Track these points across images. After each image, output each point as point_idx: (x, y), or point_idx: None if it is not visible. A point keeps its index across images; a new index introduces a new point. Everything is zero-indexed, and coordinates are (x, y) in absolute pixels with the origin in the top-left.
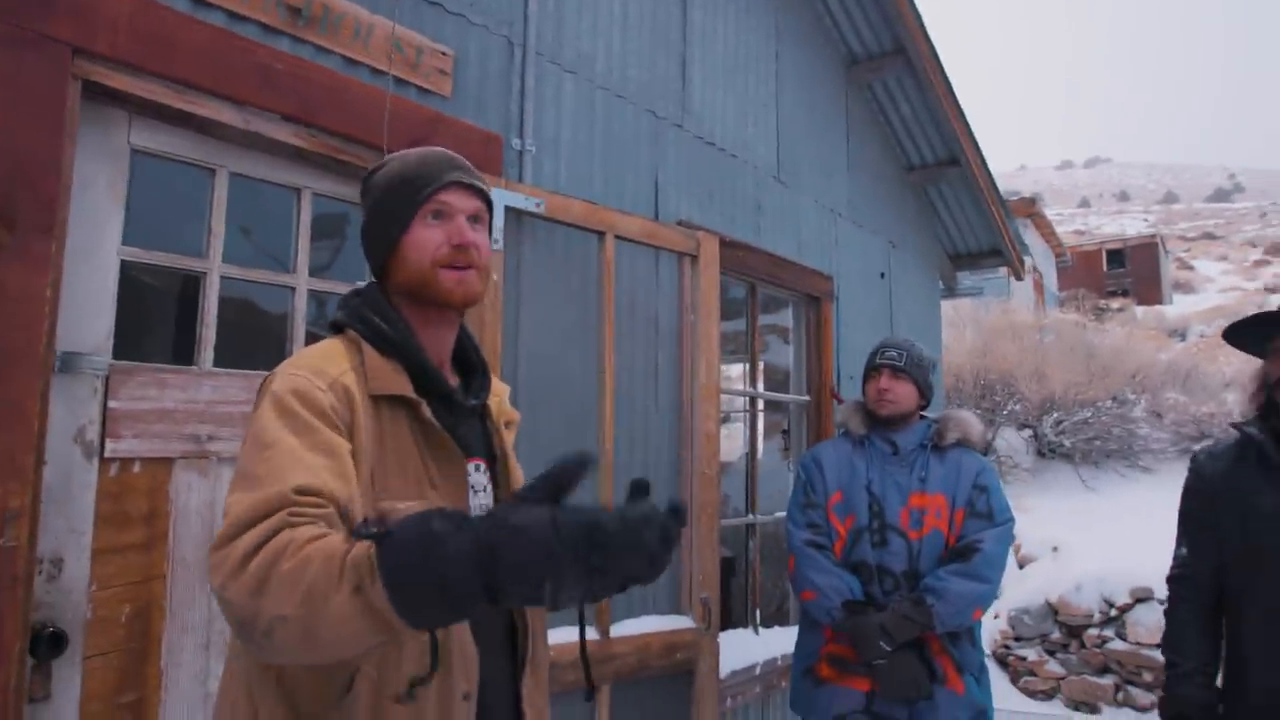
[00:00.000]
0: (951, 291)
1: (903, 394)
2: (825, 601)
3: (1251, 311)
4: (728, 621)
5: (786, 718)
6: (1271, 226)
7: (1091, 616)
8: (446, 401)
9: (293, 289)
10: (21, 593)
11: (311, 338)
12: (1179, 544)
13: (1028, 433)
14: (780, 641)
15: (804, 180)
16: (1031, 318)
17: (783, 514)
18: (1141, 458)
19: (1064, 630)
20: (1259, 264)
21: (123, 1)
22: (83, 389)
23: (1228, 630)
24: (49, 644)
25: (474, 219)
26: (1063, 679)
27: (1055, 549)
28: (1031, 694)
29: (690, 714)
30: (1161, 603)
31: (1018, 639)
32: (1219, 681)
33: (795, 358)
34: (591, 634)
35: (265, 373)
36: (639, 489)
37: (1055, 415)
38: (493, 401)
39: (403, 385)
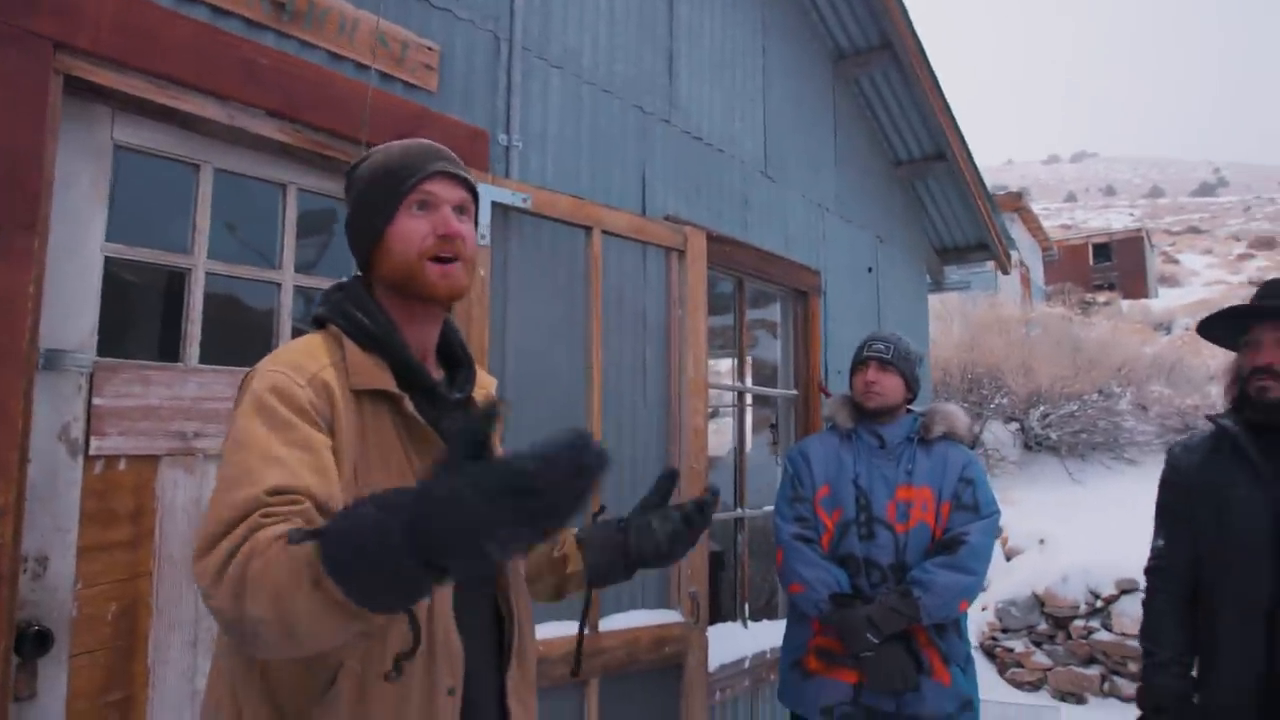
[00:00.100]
0: (939, 286)
1: (890, 386)
2: (813, 594)
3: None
4: (716, 615)
5: (775, 710)
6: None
7: (1078, 608)
8: (430, 395)
9: (278, 285)
10: (6, 591)
11: (298, 334)
12: (1156, 536)
13: (1014, 426)
14: (769, 635)
15: (791, 175)
16: (1018, 312)
17: (771, 508)
18: (1127, 450)
19: (1051, 622)
20: (1243, 257)
21: None
22: (67, 386)
23: (1202, 624)
24: (34, 642)
25: (460, 209)
26: (1049, 670)
27: (1042, 541)
28: (1019, 685)
29: (679, 707)
30: None
31: (1005, 631)
32: (1195, 672)
33: (783, 352)
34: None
35: (251, 369)
36: (667, 477)
37: (1042, 408)
38: (478, 394)
39: (384, 380)
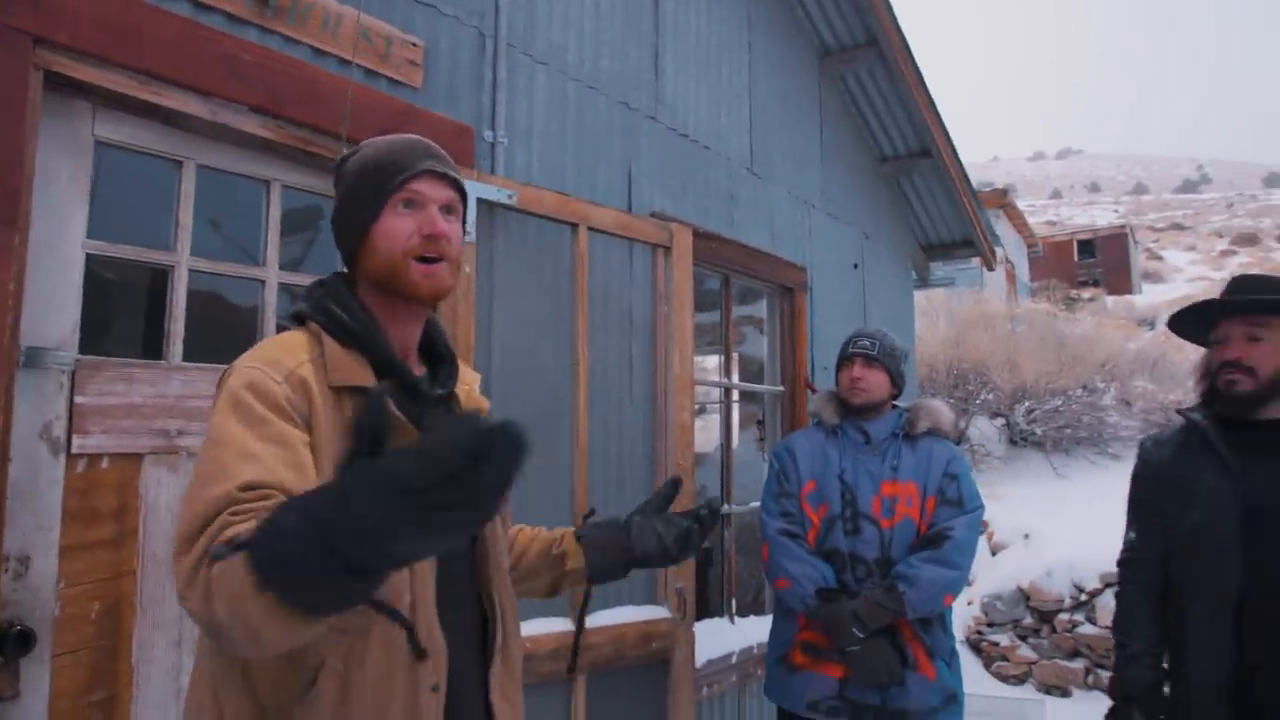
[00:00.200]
0: (924, 282)
1: (875, 383)
2: (799, 590)
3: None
4: (704, 611)
5: (762, 705)
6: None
7: (1062, 602)
8: (411, 391)
9: (262, 282)
10: None
11: (282, 331)
12: (1128, 529)
13: (1000, 421)
14: (756, 630)
15: (777, 171)
16: (1004, 308)
17: (758, 504)
18: (1111, 445)
19: (1035, 616)
20: (1225, 254)
21: None
22: (48, 384)
23: (1172, 617)
24: (16, 642)
25: (447, 209)
26: (1034, 663)
27: (1027, 536)
28: (1004, 679)
29: (666, 703)
30: None
31: (990, 625)
32: (1166, 663)
33: (770, 348)
34: (567, 625)
35: (229, 366)
36: (672, 484)
37: (1027, 404)
38: (461, 390)
39: (364, 376)
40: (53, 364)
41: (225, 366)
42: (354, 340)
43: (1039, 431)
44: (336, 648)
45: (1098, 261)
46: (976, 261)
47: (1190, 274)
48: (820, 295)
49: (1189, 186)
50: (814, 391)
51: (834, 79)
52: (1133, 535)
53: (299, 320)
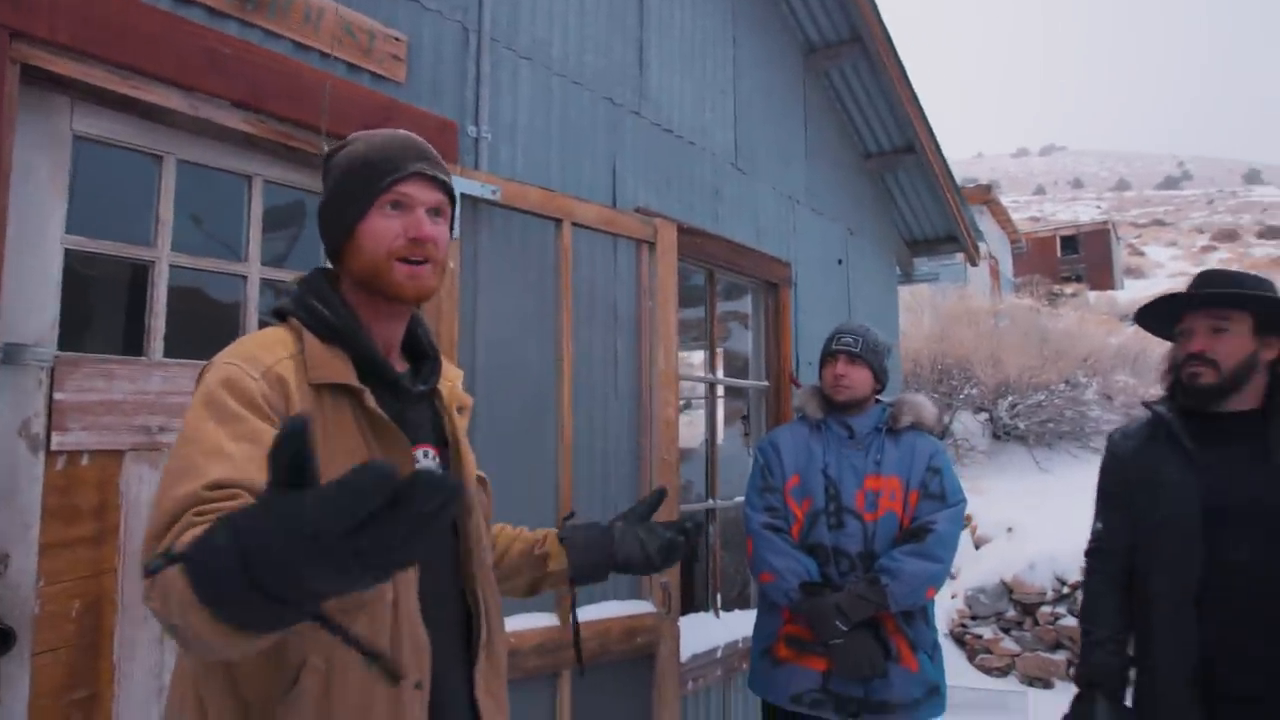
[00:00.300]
0: (909, 277)
1: (858, 379)
2: (783, 583)
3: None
4: (689, 606)
5: (748, 699)
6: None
7: (1045, 594)
8: (393, 388)
9: (244, 278)
10: None
11: (264, 327)
12: (1095, 519)
13: (984, 416)
14: (741, 624)
15: (762, 167)
16: (988, 303)
17: (743, 499)
18: (1093, 439)
19: (1019, 608)
20: (1206, 249)
21: None
22: (27, 381)
23: (1137, 610)
24: None
25: (434, 211)
26: (1017, 656)
27: (1010, 529)
28: (988, 671)
29: (651, 697)
30: None
31: (974, 618)
32: (1131, 651)
33: (754, 344)
34: (552, 620)
35: (208, 361)
36: (658, 494)
37: (1010, 398)
38: (444, 386)
39: (345, 374)
40: (31, 360)
41: (205, 362)
42: (335, 337)
43: (1022, 426)
44: (319, 645)
45: (1081, 257)
46: (960, 257)
47: (1172, 269)
48: (805, 291)
49: (1170, 183)
50: (798, 386)
51: (818, 75)
52: (1100, 526)
53: (280, 316)
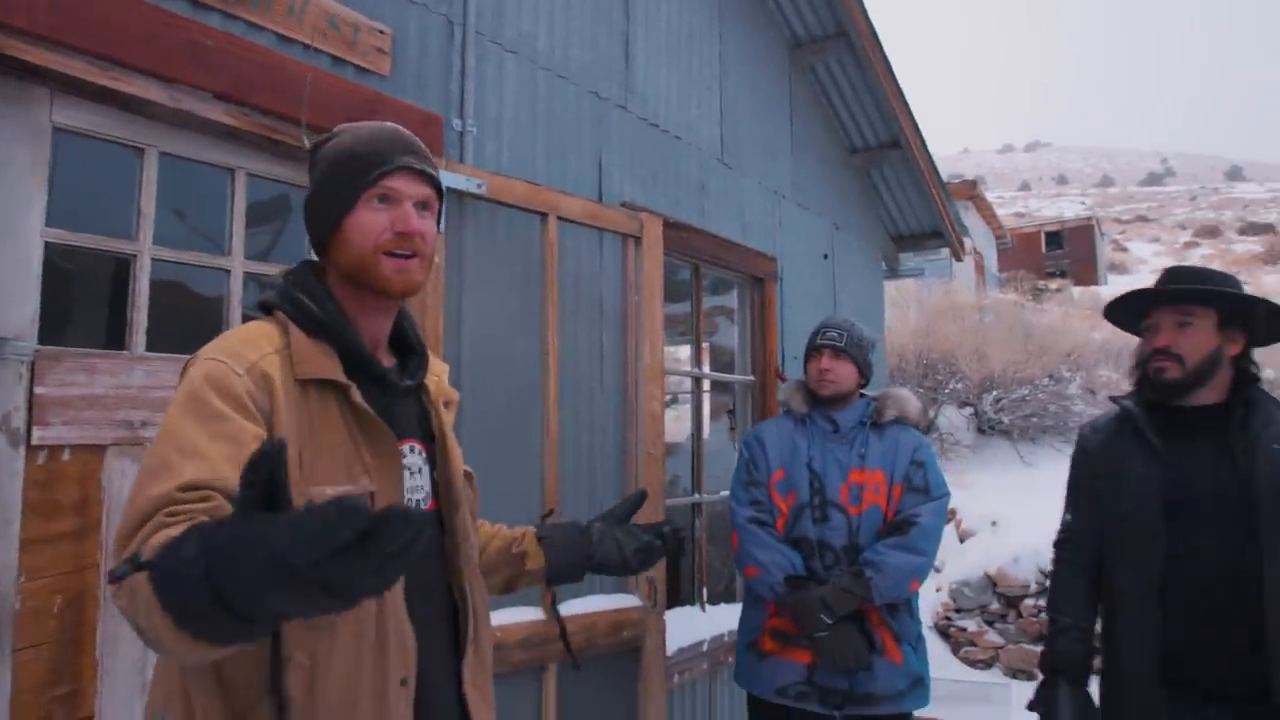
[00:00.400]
0: (894, 272)
1: (843, 374)
2: (768, 577)
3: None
4: (675, 599)
5: (734, 693)
6: (1200, 210)
7: (1028, 587)
8: (380, 383)
9: (228, 271)
10: None
11: (248, 321)
12: (1065, 511)
13: (968, 410)
14: (727, 618)
15: (748, 162)
16: (973, 298)
17: (728, 493)
18: (1076, 433)
19: (1002, 601)
20: (1189, 245)
21: None
22: (7, 375)
23: (1104, 602)
24: None
25: (422, 205)
26: (1001, 648)
27: (994, 523)
28: (972, 663)
29: (637, 691)
30: None
31: (958, 610)
32: (1097, 641)
33: (740, 338)
34: (538, 614)
35: (193, 355)
36: (638, 497)
37: (995, 393)
38: (431, 381)
39: (331, 369)
40: (11, 355)
41: (189, 356)
42: (322, 331)
43: (1006, 420)
44: (303, 643)
45: (1065, 253)
46: (945, 252)
47: (1155, 265)
48: (790, 285)
49: (1154, 179)
50: (784, 381)
51: (804, 70)
52: (1069, 517)
53: (266, 309)
